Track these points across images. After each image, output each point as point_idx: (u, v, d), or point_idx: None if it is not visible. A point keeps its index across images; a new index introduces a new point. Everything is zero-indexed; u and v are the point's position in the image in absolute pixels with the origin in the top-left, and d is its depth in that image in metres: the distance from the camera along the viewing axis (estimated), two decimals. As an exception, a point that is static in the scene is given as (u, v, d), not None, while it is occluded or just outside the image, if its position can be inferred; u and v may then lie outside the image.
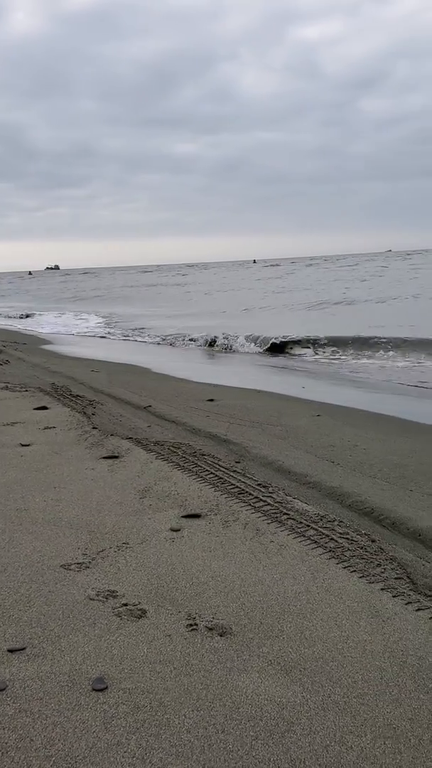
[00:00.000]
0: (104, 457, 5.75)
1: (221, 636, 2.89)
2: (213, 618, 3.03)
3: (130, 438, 6.35)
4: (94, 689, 2.52)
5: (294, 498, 4.62)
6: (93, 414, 7.56)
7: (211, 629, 2.94)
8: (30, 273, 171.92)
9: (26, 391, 9.30)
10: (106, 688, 2.52)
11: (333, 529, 4.01)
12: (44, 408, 7.99)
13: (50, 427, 6.95)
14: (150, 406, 8.31)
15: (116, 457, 5.75)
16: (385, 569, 3.49)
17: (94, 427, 6.84)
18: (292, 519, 4.19)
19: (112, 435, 6.47)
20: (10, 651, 2.78)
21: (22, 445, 6.22)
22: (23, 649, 2.80)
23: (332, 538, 3.88)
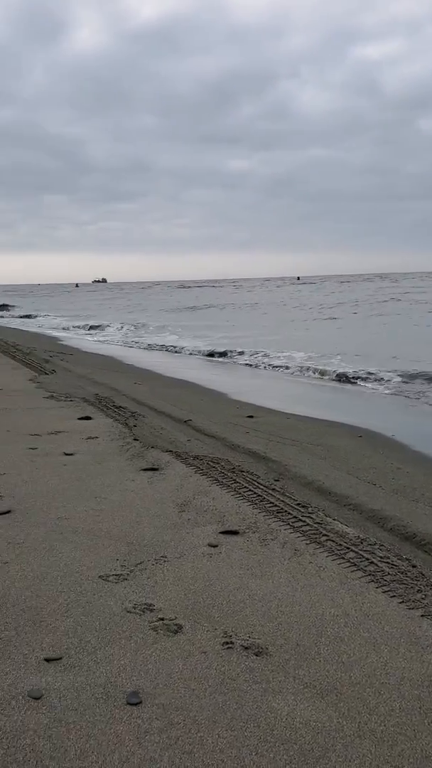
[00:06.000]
0: (144, 469, 5.78)
1: (257, 656, 2.86)
2: (249, 637, 3.01)
3: (170, 451, 6.37)
4: (128, 703, 2.52)
5: (334, 519, 4.57)
6: (134, 426, 7.61)
7: (247, 648, 2.92)
8: (77, 285, 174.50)
9: (71, 400, 9.43)
10: (141, 702, 2.52)
11: (373, 553, 3.94)
12: (88, 418, 8.09)
13: (93, 437, 7.02)
14: (190, 420, 8.34)
15: (156, 469, 5.78)
16: (426, 595, 3.41)
17: (135, 439, 6.88)
18: (332, 541, 4.14)
19: (152, 447, 6.50)
20: (47, 660, 2.80)
21: (66, 454, 6.30)
22: (60, 659, 2.82)
23: (372, 562, 3.82)
